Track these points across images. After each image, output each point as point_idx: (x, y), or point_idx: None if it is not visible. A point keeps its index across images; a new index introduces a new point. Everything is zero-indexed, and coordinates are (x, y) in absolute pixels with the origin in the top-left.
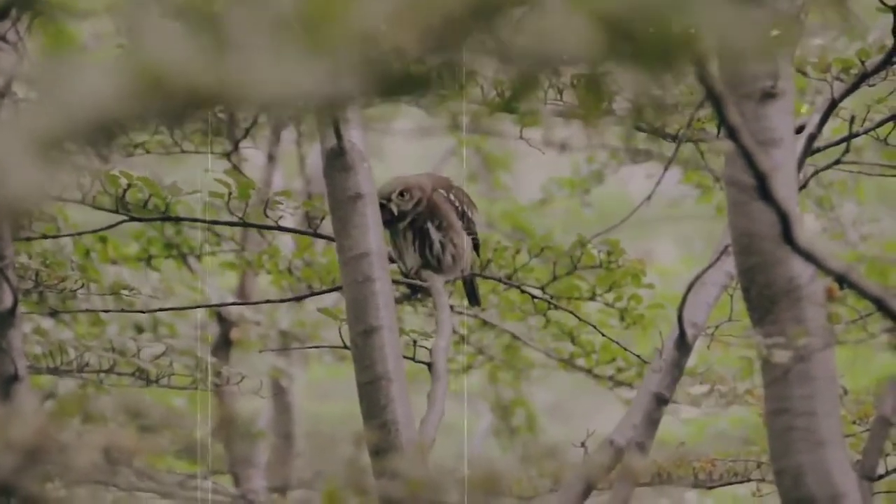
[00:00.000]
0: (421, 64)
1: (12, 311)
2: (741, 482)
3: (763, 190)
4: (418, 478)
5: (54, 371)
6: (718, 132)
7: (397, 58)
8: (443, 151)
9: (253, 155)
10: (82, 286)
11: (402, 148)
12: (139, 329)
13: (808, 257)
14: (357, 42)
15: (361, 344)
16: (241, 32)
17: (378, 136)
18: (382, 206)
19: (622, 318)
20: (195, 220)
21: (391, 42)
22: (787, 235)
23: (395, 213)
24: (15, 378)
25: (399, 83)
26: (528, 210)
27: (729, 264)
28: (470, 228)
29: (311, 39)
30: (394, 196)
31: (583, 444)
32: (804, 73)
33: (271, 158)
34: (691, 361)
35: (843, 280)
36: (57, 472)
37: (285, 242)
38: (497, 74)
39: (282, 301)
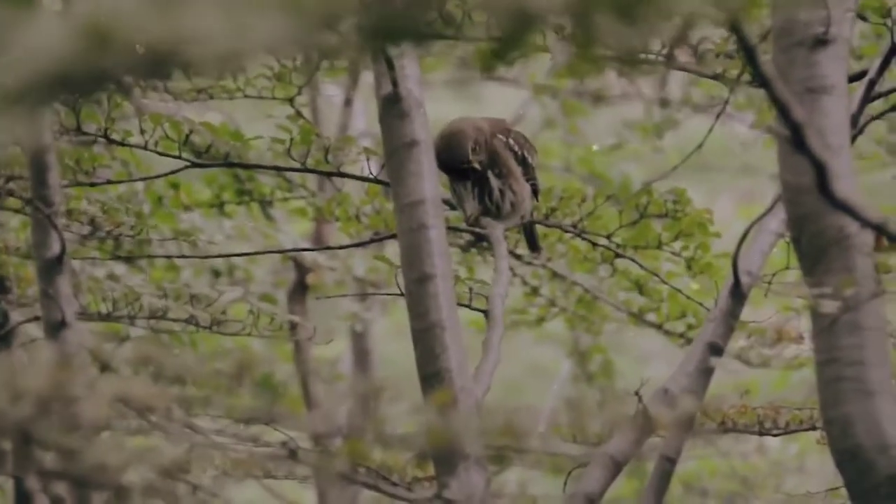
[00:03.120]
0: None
1: (60, 259)
2: (806, 430)
3: (798, 140)
4: (439, 429)
5: (106, 318)
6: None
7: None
8: (521, 98)
9: (338, 99)
10: (140, 232)
11: (493, 93)
12: (216, 274)
13: (844, 208)
14: None
15: (415, 291)
16: None
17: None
18: (465, 170)
19: (689, 267)
20: (256, 167)
21: None
22: (823, 186)
23: (481, 168)
24: (62, 324)
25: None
26: (602, 155)
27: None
28: (529, 174)
29: None
30: (471, 155)
31: (636, 393)
32: (863, 18)
33: (348, 102)
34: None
35: (881, 231)
36: (74, 421)
37: (357, 189)
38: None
39: (341, 247)
